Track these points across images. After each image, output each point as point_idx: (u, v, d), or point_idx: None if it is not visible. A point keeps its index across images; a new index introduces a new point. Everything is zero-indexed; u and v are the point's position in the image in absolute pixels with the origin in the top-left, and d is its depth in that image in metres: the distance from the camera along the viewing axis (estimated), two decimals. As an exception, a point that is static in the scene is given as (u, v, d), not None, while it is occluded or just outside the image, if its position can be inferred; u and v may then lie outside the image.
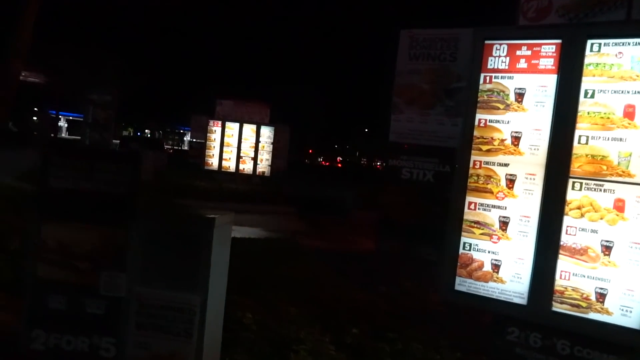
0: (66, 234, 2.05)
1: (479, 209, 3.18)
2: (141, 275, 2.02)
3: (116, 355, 2.01)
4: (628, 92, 2.82)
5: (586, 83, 2.93)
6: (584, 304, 2.85)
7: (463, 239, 3.21)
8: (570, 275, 2.90)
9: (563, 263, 2.91)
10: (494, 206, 3.13)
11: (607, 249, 2.82)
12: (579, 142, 2.92)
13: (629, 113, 2.81)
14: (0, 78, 6.65)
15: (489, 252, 3.14)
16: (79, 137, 20.24)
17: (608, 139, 2.86)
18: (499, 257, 3.11)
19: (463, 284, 3.21)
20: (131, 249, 2.03)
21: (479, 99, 3.23)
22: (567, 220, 2.92)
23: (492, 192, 3.14)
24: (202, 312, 1.98)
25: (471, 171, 3.21)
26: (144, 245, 2.03)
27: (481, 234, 3.17)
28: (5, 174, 10.77)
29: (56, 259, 2.03)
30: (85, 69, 26.14)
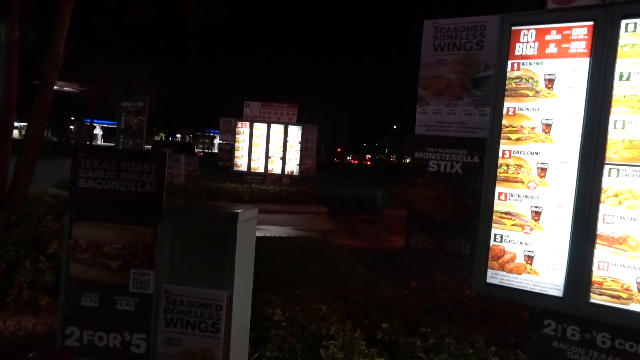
0: (96, 233, 2.10)
1: (509, 199, 3.09)
2: (169, 273, 2.05)
3: (147, 351, 2.05)
4: (667, 72, 2.69)
5: (621, 65, 2.80)
6: (624, 295, 2.73)
7: (494, 231, 3.13)
8: (609, 266, 2.78)
9: (601, 253, 2.80)
10: (525, 196, 3.04)
11: (648, 237, 2.69)
12: (614, 127, 2.80)
13: (669, 94, 2.68)
14: (37, 88, 6.89)
15: (521, 243, 3.05)
16: (113, 144, 20.84)
17: (646, 123, 2.73)
18: (532, 248, 3.01)
19: (495, 277, 3.13)
20: (159, 247, 2.06)
21: (507, 87, 3.14)
22: (603, 209, 2.80)
23: (523, 182, 3.05)
24: (229, 308, 1.99)
25: (500, 161, 3.12)
26: (171, 243, 2.06)
27: (512, 225, 3.08)
28: (45, 182, 11.21)
29: (87, 258, 2.09)
30: (117, 78, 26.94)
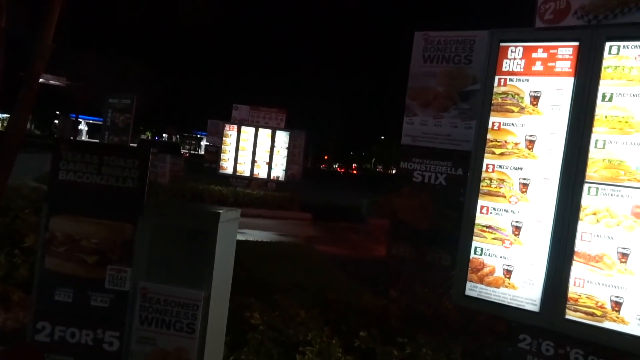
0: (74, 227, 2.06)
1: (491, 213, 3.12)
2: (147, 270, 2.03)
3: (119, 349, 2.01)
4: (648, 95, 2.75)
5: (604, 86, 2.86)
6: (598, 312, 2.77)
7: (474, 244, 3.16)
8: (585, 283, 2.82)
9: (577, 270, 2.84)
10: (506, 210, 3.07)
11: (623, 256, 2.73)
12: (595, 147, 2.85)
13: (649, 117, 2.74)
14: (22, 80, 6.78)
15: (500, 257, 3.08)
16: (97, 140, 20.60)
17: (626, 144, 2.78)
18: (511, 263, 3.04)
19: (474, 289, 3.15)
20: (137, 244, 2.03)
21: (493, 102, 3.18)
22: (582, 226, 2.84)
23: (504, 196, 3.08)
24: (206, 308, 1.97)
25: (484, 174, 3.16)
26: (150, 240, 2.04)
27: (493, 238, 3.11)
28: (27, 175, 11.01)
29: (64, 252, 2.05)
30: (105, 74, 26.65)
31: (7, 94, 6.81)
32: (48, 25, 6.69)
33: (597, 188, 2.82)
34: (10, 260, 4.13)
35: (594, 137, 2.85)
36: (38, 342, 2.02)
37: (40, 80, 8.27)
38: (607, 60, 2.86)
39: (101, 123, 14.67)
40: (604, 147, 2.83)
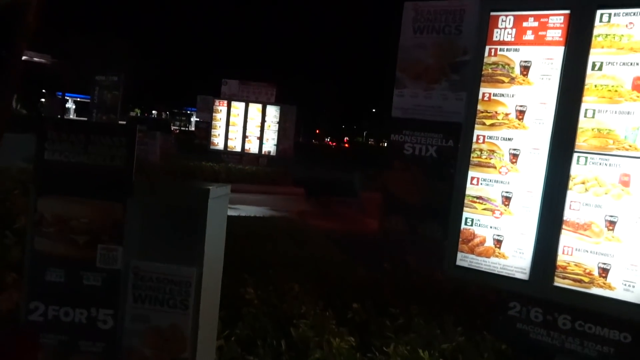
0: (63, 208, 2.05)
1: (481, 184, 3.14)
2: (138, 248, 2.03)
3: (114, 327, 2.03)
4: (638, 64, 2.74)
5: (594, 55, 2.85)
6: (586, 279, 2.83)
7: (465, 214, 3.18)
8: (573, 251, 2.86)
9: (566, 238, 2.88)
10: (496, 181, 3.09)
11: (611, 224, 2.77)
12: (585, 116, 2.85)
13: (638, 85, 2.74)
14: (5, 59, 6.63)
15: (491, 227, 3.11)
16: (86, 119, 20.31)
17: (615, 113, 2.79)
18: (501, 233, 3.07)
19: (465, 260, 3.19)
20: (128, 223, 2.03)
21: (483, 73, 3.16)
22: (571, 195, 2.87)
23: (495, 167, 3.09)
24: (198, 285, 1.98)
25: (474, 146, 3.16)
26: (140, 218, 2.03)
27: (483, 209, 3.13)
28: (15, 156, 10.87)
29: (53, 232, 2.04)
30: (92, 51, 26.11)
31: (-10, 73, 6.67)
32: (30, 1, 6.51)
33: (586, 157, 2.84)
34: (2, 241, 4.11)
35: (583, 107, 2.85)
36: (32, 322, 2.03)
37: (24, 57, 8.08)
38: (598, 28, 2.84)
39: (89, 101, 14.45)
40: (593, 117, 2.84)
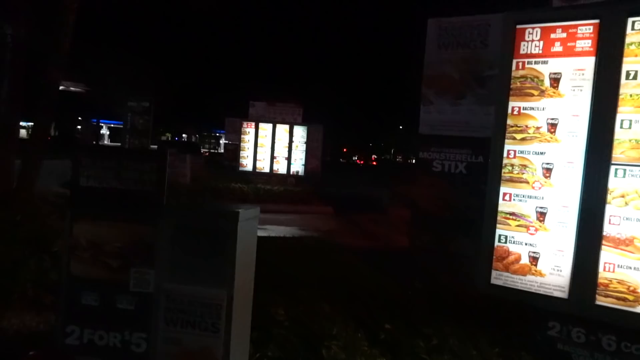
0: (97, 232, 2.10)
1: (514, 199, 3.06)
2: (169, 272, 2.05)
3: (147, 350, 2.04)
4: (674, 71, 2.65)
5: (628, 64, 2.77)
6: (630, 297, 2.70)
7: (498, 232, 3.10)
8: (615, 267, 2.75)
9: (607, 254, 2.77)
10: (530, 196, 3.01)
11: (655, 238, 2.65)
12: (621, 127, 2.77)
13: (676, 93, 2.64)
14: (41, 88, 6.93)
15: (525, 244, 3.02)
16: (119, 144, 20.93)
17: (654, 122, 2.69)
18: (537, 249, 2.98)
19: (499, 278, 3.10)
20: (159, 246, 2.05)
21: (511, 86, 3.11)
22: (610, 209, 2.77)
23: (527, 182, 3.02)
24: (229, 307, 1.98)
25: (505, 161, 3.10)
26: (171, 242, 2.06)
27: (517, 225, 3.05)
28: (51, 181, 11.27)
29: (88, 256, 2.08)
30: (123, 78, 27.02)
31: (30, 102, 6.97)
32: (63, 32, 6.82)
33: (625, 169, 2.74)
34: (40, 265, 4.23)
35: (619, 117, 2.76)
36: (68, 346, 2.06)
37: (61, 87, 8.44)
38: (630, 36, 2.77)
39: (122, 127, 14.89)
40: (630, 127, 2.74)
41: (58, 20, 6.83)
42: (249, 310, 2.38)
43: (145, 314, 2.05)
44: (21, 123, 7.42)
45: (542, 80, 3.01)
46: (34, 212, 5.80)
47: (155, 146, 25.96)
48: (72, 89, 19.72)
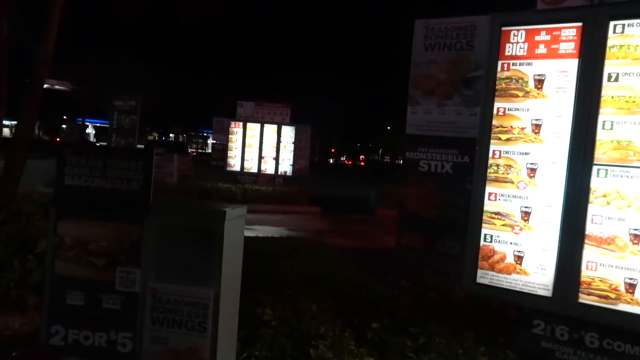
0: (82, 231, 2.08)
1: (499, 199, 3.10)
2: (155, 271, 2.04)
3: (133, 350, 2.03)
4: (655, 74, 2.71)
5: (609, 66, 2.82)
6: (612, 295, 2.75)
7: (484, 231, 3.14)
8: (597, 266, 2.79)
9: (589, 253, 2.81)
10: (514, 196, 3.05)
11: (635, 237, 2.70)
12: (603, 128, 2.82)
13: (657, 96, 2.70)
14: (27, 86, 6.84)
15: (510, 243, 3.06)
16: (105, 143, 20.72)
17: (634, 124, 2.75)
18: (522, 249, 3.02)
19: (485, 277, 3.14)
20: (145, 245, 2.04)
21: (497, 87, 3.15)
22: (592, 209, 2.81)
23: (512, 182, 3.05)
24: (216, 306, 1.98)
25: (491, 161, 3.13)
26: (157, 241, 2.05)
27: (502, 225, 3.09)
28: (36, 180, 11.12)
29: (72, 255, 2.07)
30: (109, 76, 26.77)
31: (14, 100, 6.87)
32: (49, 29, 6.73)
33: (607, 170, 2.79)
34: (24, 265, 4.17)
35: (601, 119, 2.81)
36: (53, 346, 2.04)
37: (45, 85, 8.33)
38: (612, 39, 2.82)
39: (108, 126, 14.72)
40: (611, 128, 2.79)
41: (43, 16, 6.74)
42: (236, 310, 2.37)
43: (131, 313, 2.04)
44: (5, 122, 7.30)
45: (527, 82, 3.06)
46: (18, 211, 5.72)
47: (142, 146, 25.73)
48: (57, 87, 19.46)
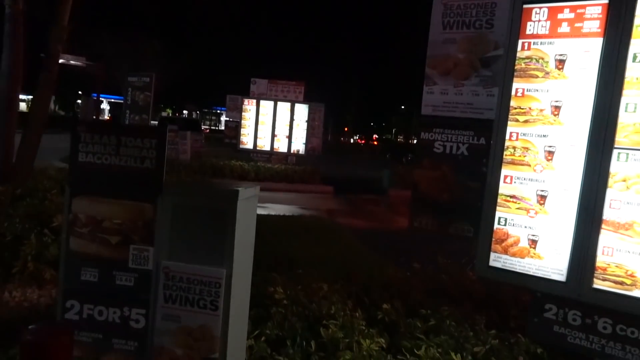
0: (96, 208, 2.09)
1: (515, 182, 3.05)
2: (168, 249, 2.05)
3: (145, 326, 2.06)
4: (682, 54, 2.61)
5: (635, 46, 2.72)
6: (628, 281, 2.71)
7: (498, 214, 3.10)
8: (614, 251, 2.75)
9: (606, 238, 2.76)
10: (531, 179, 2.99)
11: (655, 223, 2.65)
12: (626, 110, 2.73)
13: (683, 78, 2.60)
14: (43, 61, 6.86)
15: (525, 227, 3.01)
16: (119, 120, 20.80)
17: (658, 107, 2.66)
18: (536, 232, 2.98)
19: (498, 260, 3.11)
20: (158, 223, 2.05)
21: (516, 67, 3.06)
22: (611, 194, 2.75)
23: (529, 165, 3.00)
24: (228, 285, 1.99)
25: (507, 143, 3.07)
26: (170, 220, 2.05)
27: (517, 208, 3.04)
28: (52, 156, 11.26)
29: (87, 232, 2.08)
30: (124, 52, 26.77)
31: (30, 75, 6.91)
32: (64, 5, 6.71)
33: (628, 154, 2.72)
34: (41, 239, 4.25)
35: (624, 101, 2.73)
36: (68, 320, 2.08)
37: (61, 61, 8.35)
38: (639, 18, 2.71)
39: (122, 102, 14.77)
40: (634, 111, 2.71)
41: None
42: (248, 289, 2.39)
43: (144, 290, 2.06)
44: (21, 96, 7.36)
45: (547, 62, 2.97)
46: (35, 186, 5.80)
47: (156, 122, 25.84)
48: (72, 62, 19.51)
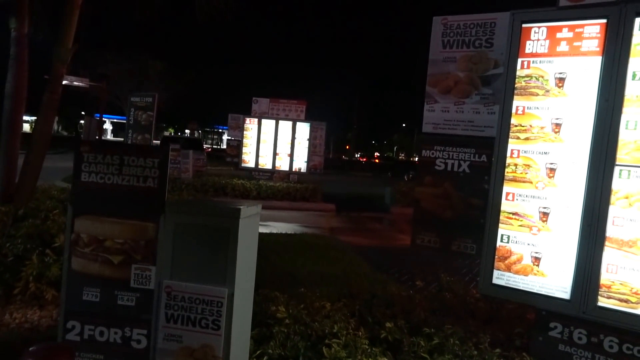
0: (98, 228, 2.09)
1: (517, 199, 3.05)
2: (170, 268, 2.04)
3: (147, 347, 2.04)
4: (681, 72, 2.63)
5: (634, 64, 2.75)
6: (633, 299, 2.68)
7: (501, 231, 3.09)
8: (618, 269, 2.73)
9: (610, 256, 2.75)
10: (533, 196, 2.99)
11: (659, 240, 2.63)
12: (626, 128, 2.74)
13: (683, 95, 2.62)
14: (47, 83, 6.93)
15: (528, 244, 3.00)
16: (122, 139, 20.95)
17: (659, 123, 2.67)
18: (539, 250, 2.96)
19: (501, 278, 3.09)
20: (160, 243, 2.05)
21: (516, 85, 3.09)
22: (613, 211, 2.75)
23: (531, 182, 3.00)
24: (230, 305, 1.97)
25: (509, 160, 3.08)
26: (172, 239, 2.05)
27: (520, 225, 3.03)
28: (54, 176, 11.30)
29: (89, 252, 2.08)
30: (126, 73, 27.07)
31: (33, 97, 6.97)
32: (67, 28, 6.81)
33: (629, 171, 2.72)
34: (42, 259, 4.23)
35: (624, 118, 2.74)
36: (69, 341, 2.06)
37: (64, 82, 8.44)
38: (637, 36, 2.74)
39: (125, 122, 14.87)
40: (635, 128, 2.72)
41: (62, 15, 6.82)
42: (250, 307, 2.37)
43: (146, 310, 2.05)
44: (24, 117, 7.41)
45: (547, 80, 2.99)
46: (37, 206, 5.81)
47: (158, 141, 25.97)
48: (75, 83, 19.72)
